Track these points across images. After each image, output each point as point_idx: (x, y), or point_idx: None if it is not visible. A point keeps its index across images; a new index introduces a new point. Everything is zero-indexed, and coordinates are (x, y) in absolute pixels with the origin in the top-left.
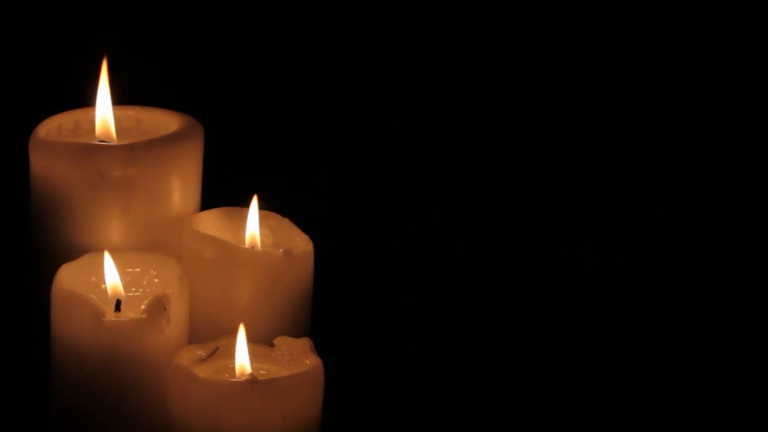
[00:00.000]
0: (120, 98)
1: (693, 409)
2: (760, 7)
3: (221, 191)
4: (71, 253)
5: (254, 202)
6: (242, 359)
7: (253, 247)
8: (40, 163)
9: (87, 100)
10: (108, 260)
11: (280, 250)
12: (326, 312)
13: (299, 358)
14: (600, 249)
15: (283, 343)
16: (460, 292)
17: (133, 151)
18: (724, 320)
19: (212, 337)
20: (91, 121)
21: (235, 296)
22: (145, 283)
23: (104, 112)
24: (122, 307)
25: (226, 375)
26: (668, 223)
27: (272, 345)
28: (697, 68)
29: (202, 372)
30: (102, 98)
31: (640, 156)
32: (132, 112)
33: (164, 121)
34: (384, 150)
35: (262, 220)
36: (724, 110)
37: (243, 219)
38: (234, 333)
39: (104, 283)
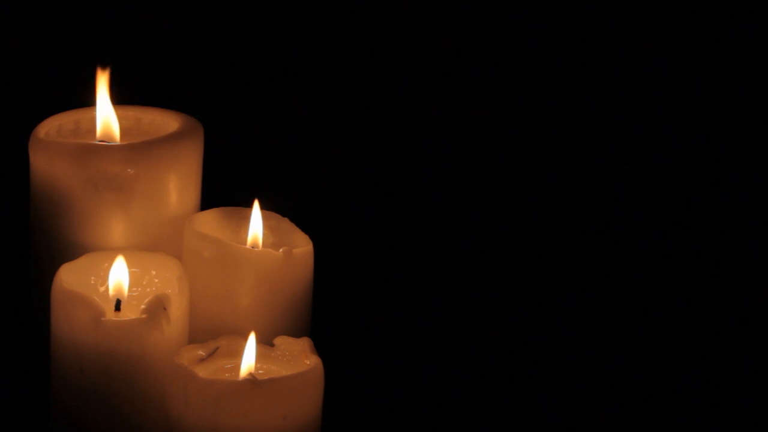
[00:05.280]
0: (120, 98)
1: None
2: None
3: (221, 191)
4: (71, 253)
5: (256, 206)
6: (249, 362)
7: (253, 247)
8: (40, 163)
9: (87, 100)
10: (120, 261)
11: (280, 250)
12: (326, 312)
13: (299, 358)
14: (599, 249)
15: (283, 343)
16: (461, 292)
17: (133, 151)
18: (722, 320)
19: (212, 337)
20: (91, 121)
21: (235, 296)
22: (145, 283)
23: (107, 113)
24: (122, 306)
25: (226, 375)
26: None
27: (272, 345)
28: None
29: (202, 372)
30: (103, 99)
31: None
32: (132, 112)
33: (164, 121)
34: (384, 150)
35: (263, 220)
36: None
37: (243, 219)
38: (236, 333)
39: (105, 282)
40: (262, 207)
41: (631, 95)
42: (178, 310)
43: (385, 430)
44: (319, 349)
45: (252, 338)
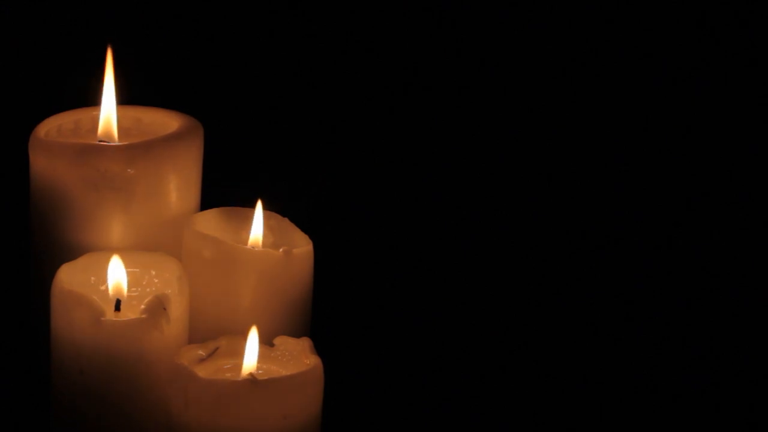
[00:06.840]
0: (120, 98)
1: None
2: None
3: (221, 191)
4: (71, 253)
5: (259, 207)
6: (251, 360)
7: (253, 248)
8: (40, 163)
9: (87, 100)
10: (116, 260)
11: (280, 250)
12: (326, 312)
13: (299, 358)
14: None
15: (283, 343)
16: (461, 292)
17: (133, 151)
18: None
19: (212, 337)
20: (91, 121)
21: (235, 296)
22: (145, 283)
23: (108, 111)
24: (122, 306)
25: (226, 375)
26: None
27: (272, 345)
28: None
29: (202, 371)
30: (106, 98)
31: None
32: (132, 112)
33: (164, 121)
34: (384, 150)
35: (263, 220)
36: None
37: (243, 219)
38: (236, 333)
39: (105, 282)
40: (264, 208)
41: (631, 95)
42: (178, 310)
43: (385, 430)
44: (319, 349)
45: (254, 333)
